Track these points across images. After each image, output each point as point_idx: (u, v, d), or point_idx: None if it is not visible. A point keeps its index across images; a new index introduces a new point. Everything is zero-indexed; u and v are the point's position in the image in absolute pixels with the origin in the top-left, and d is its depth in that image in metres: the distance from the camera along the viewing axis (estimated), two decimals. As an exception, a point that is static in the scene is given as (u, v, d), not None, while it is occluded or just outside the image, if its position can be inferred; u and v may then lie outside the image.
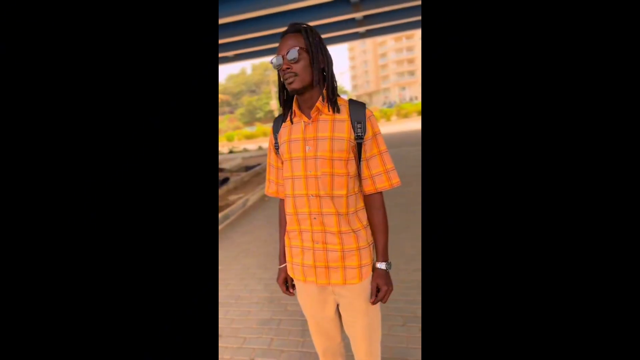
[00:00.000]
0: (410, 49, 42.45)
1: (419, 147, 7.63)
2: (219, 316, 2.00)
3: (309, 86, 0.77)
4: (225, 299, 2.20)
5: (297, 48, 0.75)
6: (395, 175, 0.84)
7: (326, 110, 0.79)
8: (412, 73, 42.44)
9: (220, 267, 2.73)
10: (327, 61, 0.79)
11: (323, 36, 0.81)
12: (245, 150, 14.12)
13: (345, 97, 0.86)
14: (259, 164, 7.98)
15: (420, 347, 1.45)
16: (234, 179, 6.47)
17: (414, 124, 14.29)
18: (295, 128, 0.82)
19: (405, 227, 2.85)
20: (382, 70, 46.41)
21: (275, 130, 0.87)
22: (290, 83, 0.76)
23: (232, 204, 4.54)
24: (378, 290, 0.85)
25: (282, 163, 0.87)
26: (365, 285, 0.85)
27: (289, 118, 0.83)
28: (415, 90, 41.20)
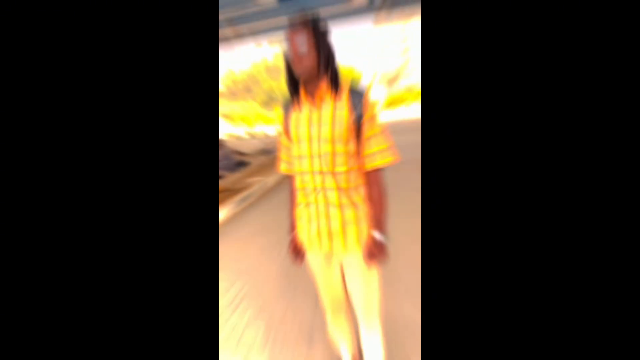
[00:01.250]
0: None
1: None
2: (238, 286, 2.19)
3: (315, 76, 0.87)
4: (244, 271, 2.40)
5: (307, 42, 0.84)
6: (393, 153, 0.92)
7: (329, 96, 0.90)
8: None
9: (239, 244, 2.94)
10: (331, 52, 0.88)
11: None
12: (265, 135, 14.43)
13: None
14: (279, 148, 8.17)
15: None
16: (255, 163, 6.71)
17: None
18: (302, 112, 0.93)
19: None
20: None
21: (286, 114, 0.99)
22: (300, 73, 0.86)
23: (251, 186, 4.76)
24: (372, 256, 0.94)
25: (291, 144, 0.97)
26: (363, 252, 0.95)
27: (297, 103, 0.94)
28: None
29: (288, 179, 1.13)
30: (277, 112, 1.03)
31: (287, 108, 0.99)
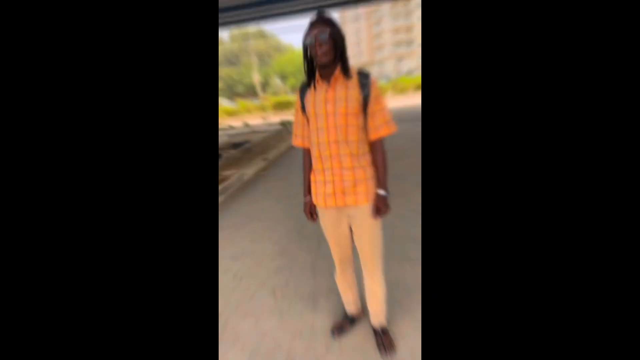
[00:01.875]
0: (408, 14, 41.94)
1: (417, 124, 8.06)
2: (236, 268, 2.43)
3: (331, 60, 1.11)
4: (238, 254, 2.64)
5: (327, 33, 1.08)
6: (392, 125, 1.19)
7: (341, 78, 1.15)
8: (409, 43, 42.21)
9: (229, 231, 3.16)
10: (344, 44, 1.13)
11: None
12: (230, 127, 14.25)
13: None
14: (247, 141, 8.27)
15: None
16: (225, 156, 6.78)
17: (411, 100, 14.62)
18: (319, 92, 1.17)
19: (401, 195, 3.32)
20: (377, 39, 45.96)
21: (302, 95, 1.24)
22: (321, 57, 1.10)
23: (227, 179, 4.91)
24: (379, 210, 1.23)
25: (308, 120, 1.23)
26: (370, 207, 1.24)
27: (312, 85, 1.19)
28: (412, 63, 41.16)
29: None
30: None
31: (302, 89, 1.23)
